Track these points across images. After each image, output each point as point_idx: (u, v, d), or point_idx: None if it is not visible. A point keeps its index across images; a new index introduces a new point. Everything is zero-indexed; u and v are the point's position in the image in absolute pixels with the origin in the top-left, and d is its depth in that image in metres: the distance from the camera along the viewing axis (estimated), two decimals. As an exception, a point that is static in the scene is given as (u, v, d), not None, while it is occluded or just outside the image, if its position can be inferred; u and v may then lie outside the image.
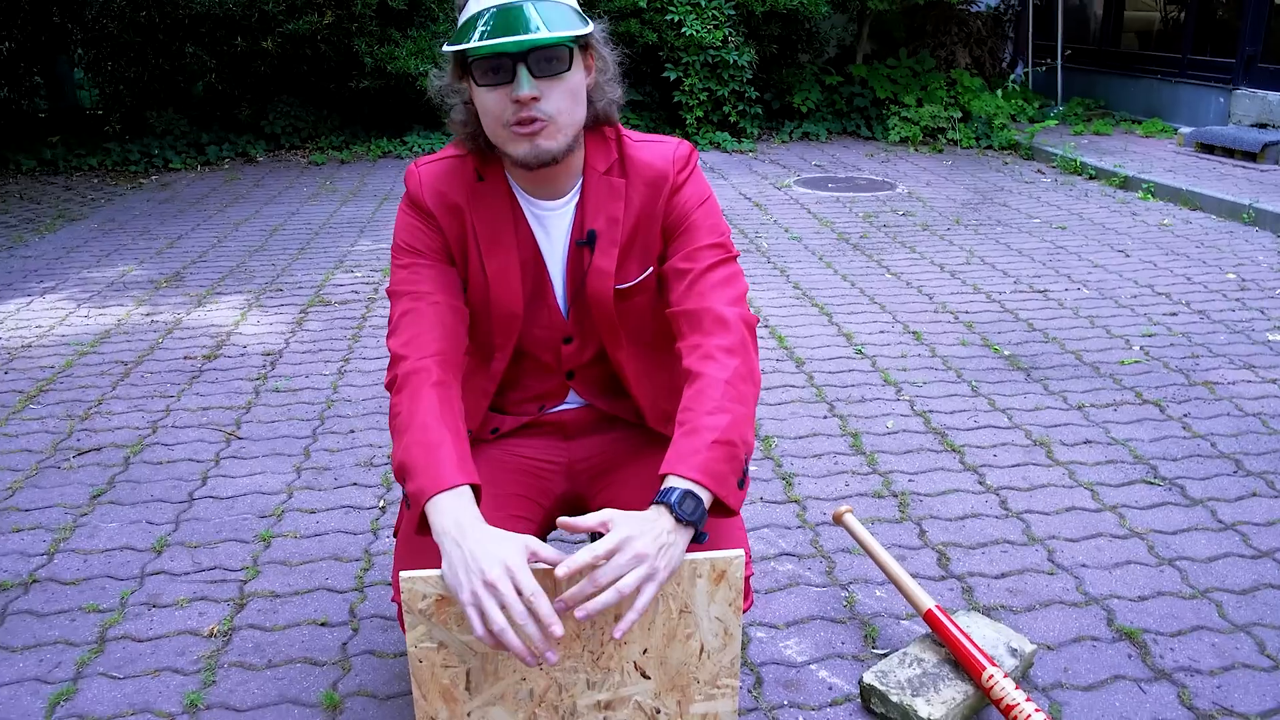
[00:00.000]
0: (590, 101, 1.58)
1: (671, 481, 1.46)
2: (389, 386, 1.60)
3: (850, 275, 4.88)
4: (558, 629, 1.33)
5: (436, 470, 1.46)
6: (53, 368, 3.81)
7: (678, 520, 1.42)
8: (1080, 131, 8.54)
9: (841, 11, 9.29)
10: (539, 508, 1.84)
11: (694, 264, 1.63)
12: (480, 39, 1.42)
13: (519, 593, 1.34)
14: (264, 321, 4.30)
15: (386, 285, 1.67)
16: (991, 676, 1.88)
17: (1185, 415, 3.29)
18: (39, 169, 7.94)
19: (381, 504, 2.78)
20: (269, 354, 3.91)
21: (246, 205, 6.64)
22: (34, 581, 2.43)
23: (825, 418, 3.29)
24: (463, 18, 1.51)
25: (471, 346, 1.75)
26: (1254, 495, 2.79)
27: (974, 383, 3.57)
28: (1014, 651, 2.02)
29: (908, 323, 4.21)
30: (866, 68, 9.18)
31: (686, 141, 1.70)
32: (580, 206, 1.66)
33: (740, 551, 1.50)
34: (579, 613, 1.35)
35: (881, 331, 4.10)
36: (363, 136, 8.63)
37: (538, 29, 1.43)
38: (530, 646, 1.34)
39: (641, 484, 1.77)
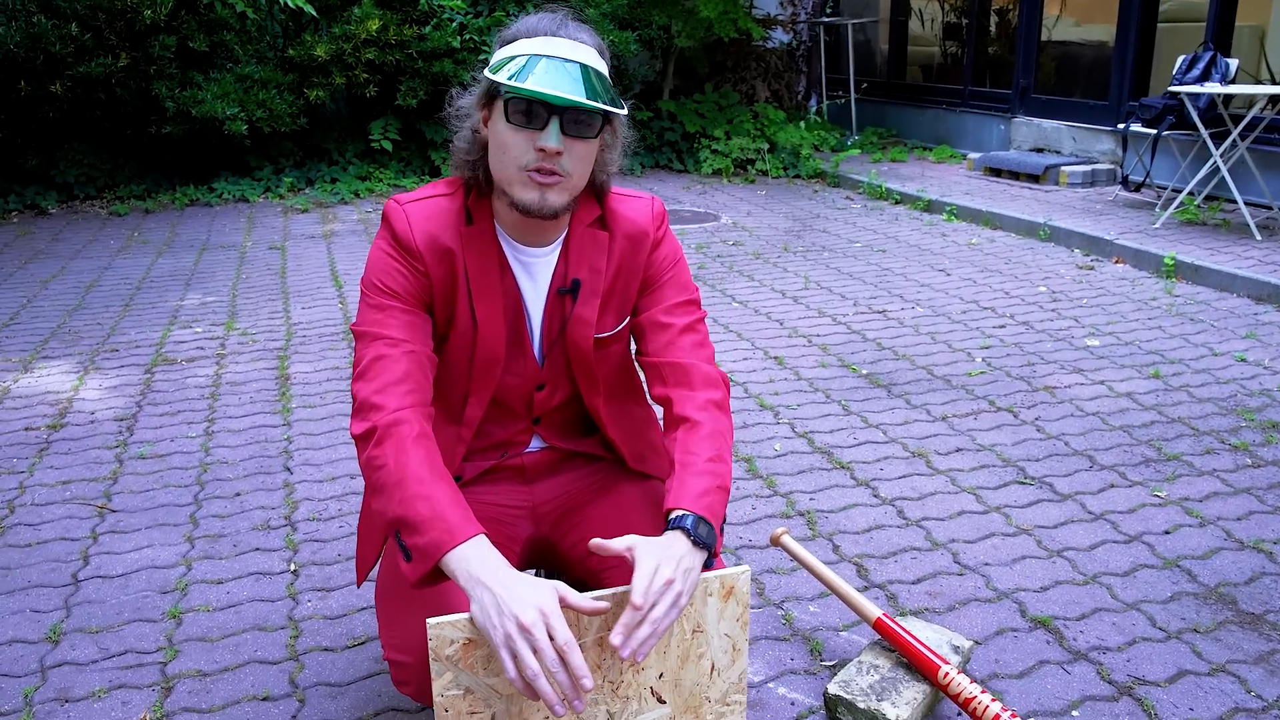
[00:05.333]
0: (593, 170, 1.62)
1: (680, 512, 1.53)
2: (361, 436, 1.57)
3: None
4: (588, 681, 1.36)
5: (448, 522, 1.46)
6: None
7: (694, 543, 1.49)
8: (879, 159, 9.10)
9: (648, 49, 9.56)
10: (511, 554, 1.84)
11: (673, 319, 1.72)
12: (532, 83, 1.44)
13: (552, 639, 1.35)
14: (106, 385, 4.03)
15: (352, 323, 1.64)
16: (947, 674, 2.00)
17: (1037, 419, 3.57)
18: None
19: (292, 567, 2.66)
20: (121, 419, 3.67)
21: (49, 261, 6.19)
22: (-84, 687, 2.20)
23: (717, 444, 3.39)
24: (510, 51, 1.53)
25: (441, 395, 1.74)
26: (1112, 487, 3.07)
27: (843, 402, 3.75)
28: (956, 649, 2.15)
29: (766, 348, 4.38)
30: (674, 102, 9.47)
31: (658, 198, 1.77)
32: (564, 256, 1.69)
33: (746, 567, 1.57)
34: (624, 652, 1.38)
35: (745, 358, 4.25)
36: (166, 184, 8.20)
37: (588, 96, 1.47)
38: (560, 694, 1.35)
39: (612, 522, 1.80)
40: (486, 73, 1.52)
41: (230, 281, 5.64)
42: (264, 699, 2.14)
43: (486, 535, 1.47)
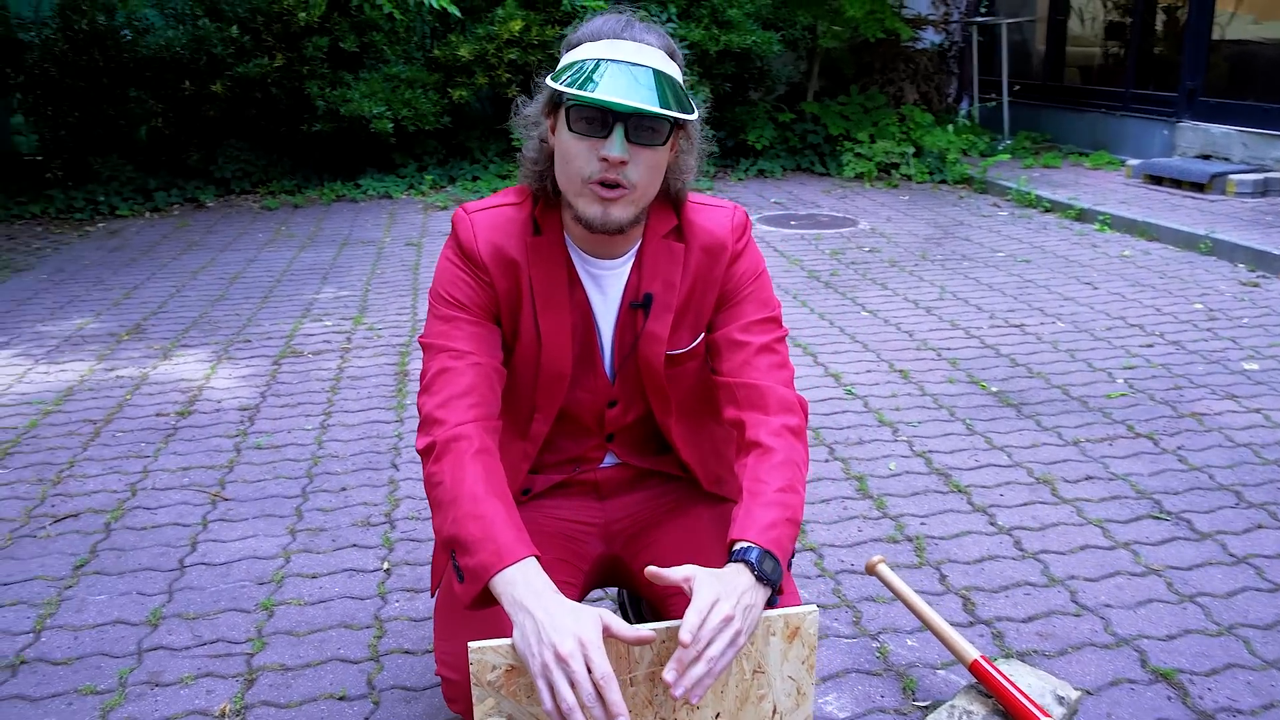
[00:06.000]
0: (665, 177, 1.54)
1: (745, 544, 1.43)
2: (423, 451, 1.53)
3: (827, 314, 4.88)
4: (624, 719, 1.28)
5: (497, 544, 1.40)
6: (16, 429, 3.64)
7: (757, 579, 1.40)
8: (1030, 165, 8.70)
9: (792, 49, 9.40)
10: (580, 571, 1.78)
11: (751, 337, 1.61)
12: (593, 89, 1.37)
13: (590, 671, 1.28)
14: (236, 374, 4.16)
15: (419, 335, 1.60)
16: (1047, 729, 1.84)
17: (1179, 448, 3.31)
18: (-22, 218, 7.68)
19: (386, 565, 2.67)
20: (245, 409, 3.79)
21: (201, 252, 6.48)
22: (22, 663, 2.29)
23: (827, 461, 3.26)
24: (575, 56, 1.46)
25: (508, 409, 1.68)
26: (1260, 528, 2.80)
27: (968, 421, 3.56)
28: (1061, 700, 1.99)
29: (893, 361, 4.20)
30: (818, 104, 9.28)
31: (741, 207, 1.67)
32: (637, 268, 1.61)
33: (813, 606, 1.47)
34: (676, 691, 1.29)
35: (868, 371, 4.09)
36: (315, 180, 8.50)
37: (655, 101, 1.39)
38: None
39: (682, 546, 1.72)
40: (549, 80, 1.46)
41: (365, 276, 5.77)
42: (340, 698, 2.14)
43: (539, 558, 1.41)
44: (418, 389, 1.61)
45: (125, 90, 8.01)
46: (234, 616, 2.45)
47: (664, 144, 1.46)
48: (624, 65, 1.40)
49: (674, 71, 1.46)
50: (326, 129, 7.93)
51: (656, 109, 1.38)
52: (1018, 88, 9.95)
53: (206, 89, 7.82)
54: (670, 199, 1.60)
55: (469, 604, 1.43)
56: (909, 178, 8.62)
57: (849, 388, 3.90)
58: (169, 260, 6.28)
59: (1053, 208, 7.23)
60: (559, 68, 1.47)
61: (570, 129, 1.44)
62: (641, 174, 1.45)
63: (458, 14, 7.11)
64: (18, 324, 4.97)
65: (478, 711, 1.39)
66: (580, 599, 1.79)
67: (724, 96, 8.96)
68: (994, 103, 9.86)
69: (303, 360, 4.32)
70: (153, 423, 3.66)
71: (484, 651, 1.36)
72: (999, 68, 9.72)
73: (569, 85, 1.40)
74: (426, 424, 1.53)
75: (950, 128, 9.08)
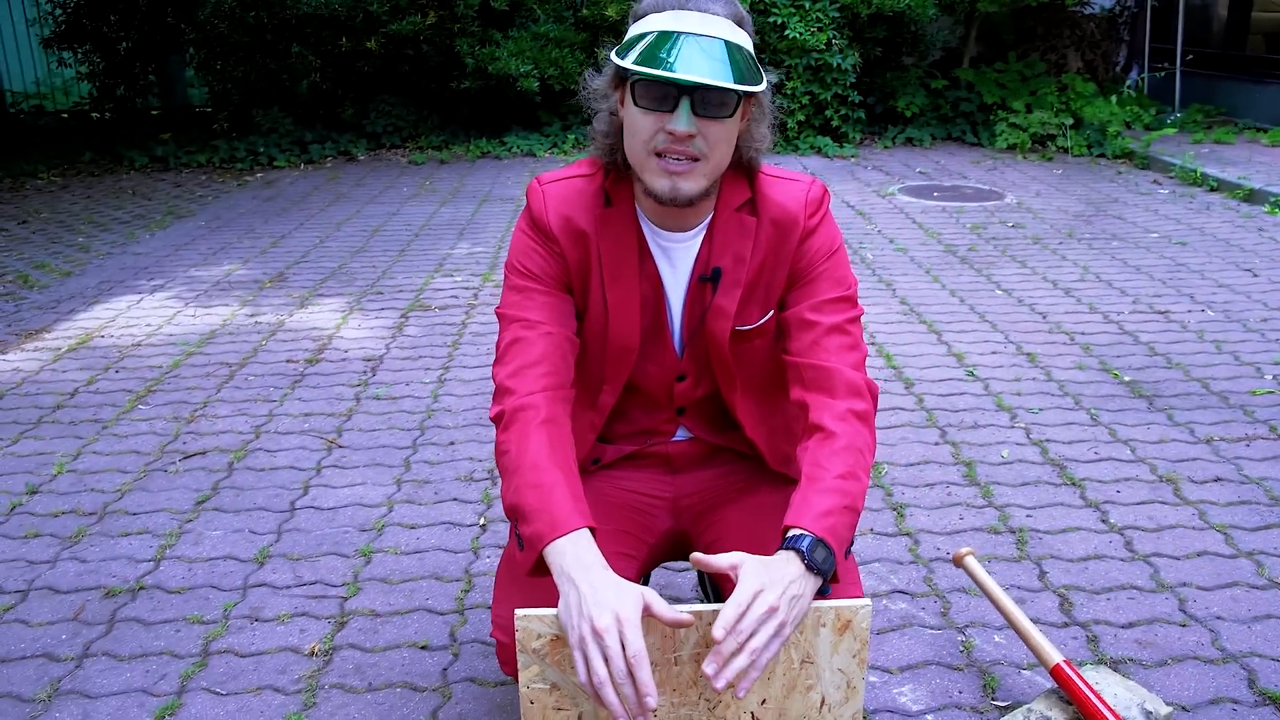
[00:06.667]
0: (737, 146, 1.51)
1: (798, 531, 1.40)
2: (495, 420, 1.55)
3: (959, 291, 4.72)
4: (652, 700, 1.28)
5: (552, 514, 1.41)
6: (160, 368, 3.87)
7: (808, 568, 1.37)
8: (1200, 140, 8.18)
9: (949, 13, 9.05)
10: (644, 544, 1.78)
11: (821, 317, 1.57)
12: (658, 65, 1.35)
13: (624, 648, 1.28)
14: (365, 325, 4.32)
15: (496, 306, 1.62)
16: (1127, 743, 1.76)
17: (1326, 453, 3.08)
18: (150, 165, 8.16)
19: (482, 521, 2.74)
20: (369, 359, 3.93)
21: (348, 204, 6.72)
22: (141, 589, 2.45)
23: (936, 444, 3.17)
24: (639, 29, 1.44)
25: (578, 379, 1.69)
26: (1406, 546, 2.59)
27: (1093, 410, 3.40)
28: (1148, 714, 1.89)
29: (1021, 343, 4.04)
30: (973, 71, 8.93)
31: (819, 181, 1.62)
32: (707, 241, 1.59)
33: (867, 601, 1.43)
34: (718, 683, 1.29)
35: (994, 352, 3.95)
36: (462, 137, 8.69)
37: (721, 74, 1.36)
38: (625, 706, 1.28)
39: (747, 527, 1.70)
40: (613, 55, 1.44)
41: (500, 234, 5.89)
42: (423, 647, 2.22)
43: (595, 529, 1.42)
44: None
45: (288, 46, 8.34)
46: (334, 560, 2.56)
47: (732, 116, 1.42)
48: (689, 37, 1.37)
49: (742, 40, 1.42)
50: (474, 86, 8.08)
51: (720, 82, 1.35)
52: (1191, 56, 9.34)
53: (362, 45, 8.07)
54: (744, 170, 1.57)
55: (528, 571, 1.45)
56: (1065, 150, 8.22)
57: (971, 369, 3.77)
58: (317, 211, 6.54)
59: (1219, 187, 6.79)
60: (625, 40, 1.45)
61: (636, 103, 1.42)
62: (710, 146, 1.43)
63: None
64: (175, 268, 5.27)
65: (523, 677, 1.42)
66: (642, 571, 1.80)
67: (874, 61, 8.72)
68: (1165, 72, 9.28)
69: (429, 314, 4.44)
70: (283, 368, 3.84)
71: (529, 620, 1.38)
72: (1174, 34, 9.14)
73: (634, 61, 1.38)
74: (498, 393, 1.56)
75: (1114, 99, 8.60)
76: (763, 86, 1.42)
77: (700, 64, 1.35)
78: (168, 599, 2.41)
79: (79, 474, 3.03)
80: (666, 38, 1.38)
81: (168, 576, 2.50)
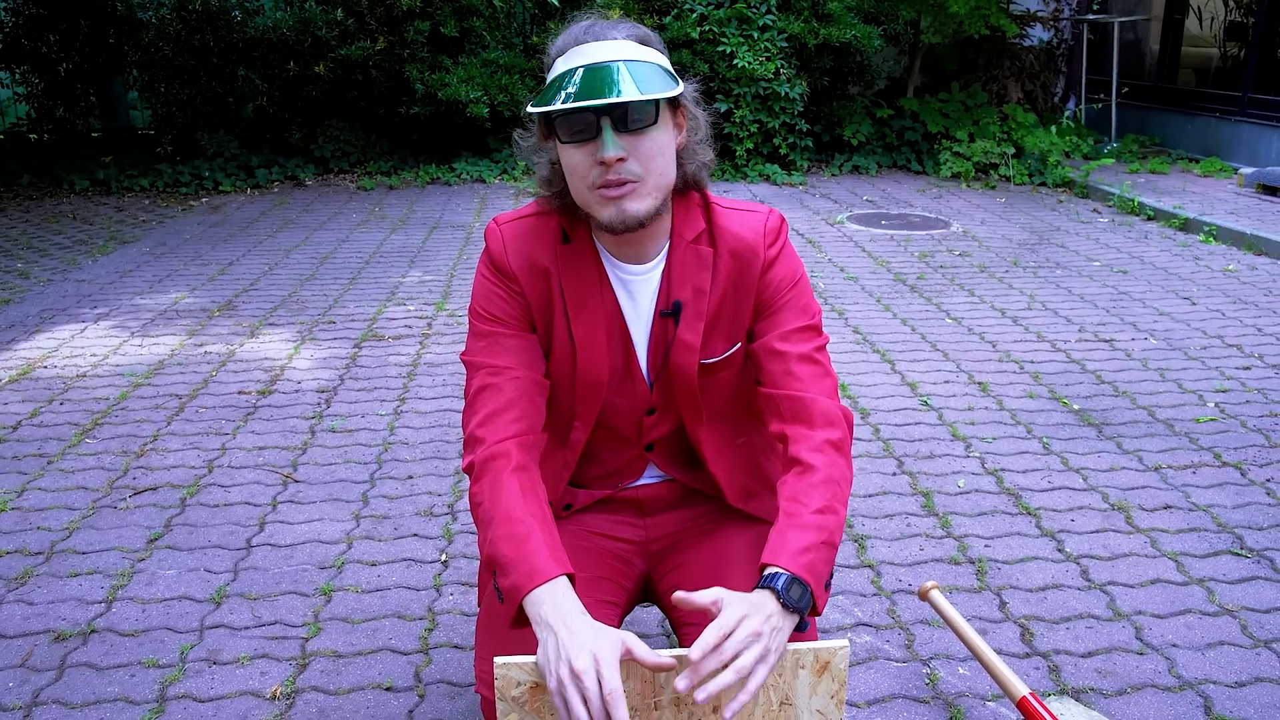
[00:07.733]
0: (680, 163, 1.53)
1: (775, 569, 1.41)
2: (467, 471, 1.54)
3: (910, 319, 4.79)
4: None
5: (529, 564, 1.41)
6: (107, 400, 3.79)
7: (784, 606, 1.38)
8: (1136, 170, 8.41)
9: (893, 44, 9.22)
10: (623, 590, 1.77)
11: (790, 346, 1.58)
12: (564, 100, 1.38)
13: (600, 687, 1.28)
14: (317, 356, 4.26)
15: (461, 352, 1.62)
16: (1094, 775, 1.78)
17: (1269, 480, 3.17)
18: (91, 189, 8.01)
19: (443, 558, 2.71)
20: (323, 390, 3.88)
21: (296, 231, 6.64)
22: (93, 632, 2.39)
23: (894, 474, 3.20)
24: (550, 76, 1.47)
25: (549, 417, 1.68)
26: (1349, 571, 2.67)
27: (1045, 439, 3.46)
28: (1113, 745, 1.92)
29: (972, 372, 4.11)
30: (918, 101, 9.09)
31: (776, 211, 1.64)
32: (666, 274, 1.60)
33: (845, 642, 1.44)
34: (699, 695, 1.29)
35: (946, 381, 4.01)
36: (411, 162, 8.64)
37: (624, 90, 1.38)
38: None
39: (706, 569, 1.71)
40: (530, 107, 1.46)
41: (451, 261, 5.86)
42: (387, 689, 2.18)
43: (573, 576, 1.42)
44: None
45: (234, 69, 8.25)
46: (293, 599, 2.51)
47: (655, 124, 1.44)
48: (591, 68, 1.40)
49: (645, 55, 1.44)
50: (424, 112, 8.05)
51: (625, 98, 1.37)
52: (1127, 89, 9.61)
53: (310, 70, 8.00)
54: (696, 195, 1.59)
55: (510, 623, 1.45)
56: (1008, 179, 8.40)
57: (925, 398, 3.82)
58: (265, 238, 6.45)
59: (1156, 216, 6.97)
60: (542, 91, 1.47)
61: (563, 140, 1.44)
62: (645, 161, 1.44)
63: (556, 2, 7.15)
64: (119, 296, 5.16)
65: (502, 726, 1.40)
66: (624, 617, 1.79)
67: (821, 90, 8.84)
68: (1101, 104, 9.53)
69: (383, 345, 4.40)
70: (234, 400, 3.78)
71: (509, 668, 1.38)
72: (1109, 67, 9.40)
73: (544, 102, 1.40)
74: (468, 443, 1.55)
75: (1054, 129, 8.81)
76: (678, 90, 1.43)
77: (604, 86, 1.38)
78: (121, 642, 2.35)
79: (24, 511, 2.95)
80: (570, 73, 1.41)
81: (120, 619, 2.44)
